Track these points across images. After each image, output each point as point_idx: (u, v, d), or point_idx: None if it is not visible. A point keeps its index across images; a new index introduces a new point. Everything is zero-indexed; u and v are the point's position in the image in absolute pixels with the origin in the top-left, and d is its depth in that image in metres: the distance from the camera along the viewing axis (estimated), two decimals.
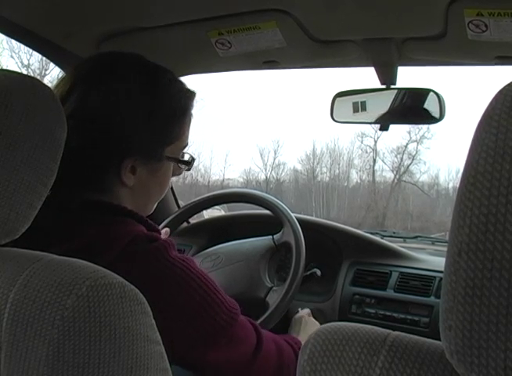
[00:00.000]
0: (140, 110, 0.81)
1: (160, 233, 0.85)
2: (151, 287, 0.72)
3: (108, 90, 0.80)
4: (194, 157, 0.93)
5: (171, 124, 0.84)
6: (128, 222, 0.80)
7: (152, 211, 0.92)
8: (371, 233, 1.65)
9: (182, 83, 0.88)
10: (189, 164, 0.92)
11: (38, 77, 0.67)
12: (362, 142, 13.55)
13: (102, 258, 0.70)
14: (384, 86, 1.31)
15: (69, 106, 0.79)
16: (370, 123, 1.39)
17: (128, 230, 0.78)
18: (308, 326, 1.18)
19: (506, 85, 0.40)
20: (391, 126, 1.36)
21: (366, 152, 13.57)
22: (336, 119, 1.39)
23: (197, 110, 0.89)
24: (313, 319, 1.24)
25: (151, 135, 0.82)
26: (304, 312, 1.27)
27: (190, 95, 0.88)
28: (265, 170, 13.88)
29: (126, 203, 0.84)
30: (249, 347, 0.84)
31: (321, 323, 1.25)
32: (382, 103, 1.33)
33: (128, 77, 0.82)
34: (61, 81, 0.85)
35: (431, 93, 1.28)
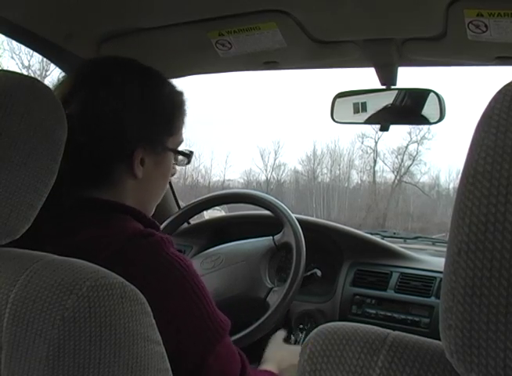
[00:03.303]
0: (141, 105, 0.85)
1: (159, 229, 0.84)
2: (146, 284, 0.72)
3: (110, 91, 0.83)
4: (192, 150, 0.98)
5: (171, 116, 0.90)
6: (123, 219, 0.80)
7: (152, 213, 0.92)
8: (371, 234, 1.65)
9: (172, 83, 0.94)
10: (189, 156, 0.96)
11: (39, 78, 0.67)
12: (362, 143, 13.55)
13: (97, 258, 0.70)
14: (384, 87, 1.31)
15: (73, 108, 0.81)
16: (371, 124, 1.40)
17: (124, 228, 0.78)
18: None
19: (505, 85, 0.40)
20: (392, 127, 1.36)
21: (367, 153, 13.57)
22: (336, 120, 1.39)
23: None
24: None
25: (155, 125, 0.87)
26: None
27: (181, 93, 0.94)
28: (266, 171, 13.88)
29: (130, 197, 0.85)
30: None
31: (321, 324, 1.25)
32: (382, 104, 1.34)
33: (127, 78, 0.86)
34: (61, 83, 0.88)
35: (432, 94, 1.28)
